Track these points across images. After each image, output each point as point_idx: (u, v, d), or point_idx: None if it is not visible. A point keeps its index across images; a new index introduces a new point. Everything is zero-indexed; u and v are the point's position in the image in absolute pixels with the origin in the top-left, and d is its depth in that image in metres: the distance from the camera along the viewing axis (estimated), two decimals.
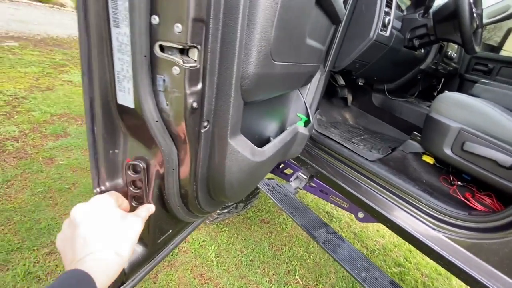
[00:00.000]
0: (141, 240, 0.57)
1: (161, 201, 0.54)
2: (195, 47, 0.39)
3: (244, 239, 1.88)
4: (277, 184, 1.49)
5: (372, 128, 1.77)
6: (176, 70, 0.39)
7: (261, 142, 0.78)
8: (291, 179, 1.49)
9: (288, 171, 1.83)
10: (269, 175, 1.78)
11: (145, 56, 0.38)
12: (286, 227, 2.09)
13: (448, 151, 1.04)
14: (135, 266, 0.56)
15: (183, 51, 0.40)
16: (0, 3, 8.01)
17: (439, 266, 0.96)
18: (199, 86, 0.42)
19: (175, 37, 0.37)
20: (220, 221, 1.95)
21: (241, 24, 0.41)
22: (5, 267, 1.34)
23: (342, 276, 1.81)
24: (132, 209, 0.50)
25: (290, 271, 1.74)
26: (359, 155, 1.24)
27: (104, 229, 0.40)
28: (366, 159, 1.22)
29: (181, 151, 0.47)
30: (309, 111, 0.99)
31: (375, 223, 2.53)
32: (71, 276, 0.33)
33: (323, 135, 1.36)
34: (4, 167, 1.92)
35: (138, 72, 0.38)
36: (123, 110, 0.42)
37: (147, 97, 0.40)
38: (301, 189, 1.48)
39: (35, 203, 1.70)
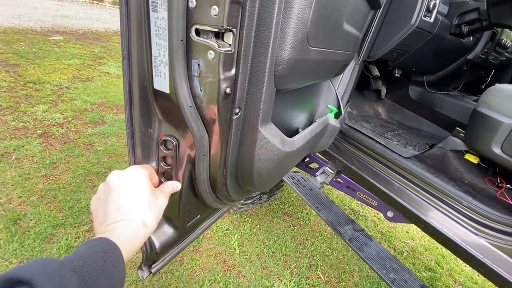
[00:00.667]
0: (172, 223, 0.59)
1: (191, 186, 0.55)
2: (230, 30, 0.38)
3: (267, 231, 1.89)
4: (302, 178, 1.47)
5: (408, 124, 1.66)
6: (211, 54, 0.39)
7: (290, 133, 0.77)
8: (317, 173, 1.46)
9: (313, 165, 1.79)
10: (294, 169, 1.76)
11: (181, 40, 0.38)
12: (309, 222, 2.06)
13: (497, 149, 0.94)
14: (166, 247, 0.58)
15: (218, 35, 0.40)
16: (47, 0, 8.67)
17: (477, 274, 0.88)
18: (233, 71, 0.42)
19: (211, 20, 0.36)
20: (243, 212, 1.97)
21: (278, 5, 0.40)
22: (51, 240, 1.48)
23: (366, 276, 1.75)
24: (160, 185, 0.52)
25: (312, 266, 1.72)
26: (392, 151, 1.17)
27: (135, 199, 0.42)
28: (400, 155, 1.14)
29: (212, 137, 0.47)
30: (340, 102, 0.94)
31: (405, 224, 2.40)
32: (98, 244, 0.35)
33: (353, 128, 1.31)
34: (51, 151, 2.10)
35: (174, 56, 0.38)
36: (158, 95, 0.43)
37: (182, 83, 0.40)
38: (327, 184, 1.44)
39: (76, 184, 1.85)
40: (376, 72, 1.39)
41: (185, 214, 0.59)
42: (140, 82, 0.43)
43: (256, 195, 1.76)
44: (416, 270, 1.92)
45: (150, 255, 0.56)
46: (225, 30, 0.38)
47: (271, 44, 0.42)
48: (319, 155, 1.70)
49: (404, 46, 1.15)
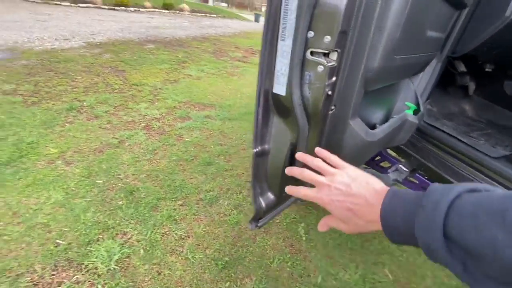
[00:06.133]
0: (273, 191, 0.77)
1: (291, 165, 0.72)
2: (336, 50, 0.52)
3: None
4: (373, 174, 1.50)
5: (500, 122, 1.50)
6: (320, 68, 0.54)
7: (369, 127, 0.86)
8: (390, 170, 1.47)
9: (384, 164, 1.78)
10: (363, 166, 1.78)
11: (299, 59, 0.54)
12: None
13: None
14: (269, 209, 0.76)
15: (326, 54, 0.54)
16: (140, 14, 10.23)
17: None
18: (334, 79, 0.56)
19: (323, 45, 0.51)
20: (310, 204, 2.09)
21: (373, 31, 0.52)
22: (156, 209, 1.89)
23: (441, 282, 1.67)
24: None
25: (378, 263, 1.73)
26: (478, 150, 1.12)
27: None
28: (487, 155, 1.09)
29: (312, 127, 0.62)
30: (419, 99, 0.97)
31: None
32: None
33: (433, 126, 1.28)
34: (152, 140, 2.62)
35: (293, 70, 0.55)
36: (276, 96, 0.61)
37: (295, 88, 0.56)
38: (399, 182, 1.44)
39: (171, 168, 2.28)
40: (462, 68, 1.31)
41: (283, 186, 0.76)
42: (265, 88, 0.61)
43: None
44: None
45: (259, 212, 0.76)
46: (332, 50, 0.53)
47: (364, 58, 0.54)
48: (393, 154, 1.69)
49: (497, 40, 1.08)
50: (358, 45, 0.53)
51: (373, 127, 0.92)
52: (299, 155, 0.55)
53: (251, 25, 17.79)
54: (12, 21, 6.69)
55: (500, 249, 0.26)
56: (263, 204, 0.74)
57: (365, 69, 0.56)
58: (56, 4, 10.21)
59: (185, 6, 12.77)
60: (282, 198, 0.78)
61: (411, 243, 0.36)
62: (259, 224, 0.76)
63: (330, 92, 0.56)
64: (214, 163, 2.41)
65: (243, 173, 2.37)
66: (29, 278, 1.35)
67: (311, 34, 0.51)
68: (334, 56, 0.53)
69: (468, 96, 1.65)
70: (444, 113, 1.50)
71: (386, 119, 0.99)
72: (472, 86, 1.61)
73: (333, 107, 0.60)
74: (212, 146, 2.65)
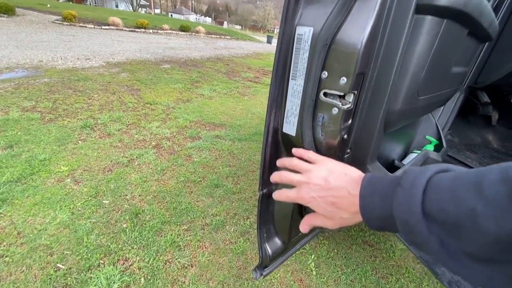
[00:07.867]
0: (281, 237, 0.70)
1: (300, 211, 0.65)
2: (352, 92, 0.48)
3: (345, 257, 1.84)
4: None
5: None
6: (335, 110, 0.49)
7: (386, 164, 0.79)
8: None
9: None
10: None
11: (312, 100, 0.50)
12: (394, 255, 1.90)
13: None
14: (275, 256, 0.70)
15: (341, 96, 0.50)
16: (158, 35, 10.75)
17: None
18: (350, 122, 0.51)
19: (339, 87, 0.47)
20: (320, 234, 1.98)
21: (395, 71, 0.47)
22: (160, 234, 1.83)
23: None
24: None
25: None
26: None
27: None
28: None
29: None
30: (441, 134, 0.90)
31: None
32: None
33: (455, 159, 1.20)
34: (161, 159, 2.61)
35: (305, 111, 0.50)
36: (286, 136, 0.56)
37: (307, 129, 0.52)
38: None
39: (178, 189, 2.24)
40: (485, 98, 1.24)
41: (291, 231, 0.69)
42: (274, 126, 0.57)
43: None
44: None
45: (264, 260, 0.69)
46: (348, 93, 0.48)
47: (385, 100, 0.49)
48: None
49: None
50: (378, 87, 0.49)
51: (391, 163, 0.85)
52: (279, 161, 0.55)
53: (263, 46, 18.31)
54: (39, 41, 7.15)
55: (480, 221, 0.26)
56: (269, 251, 0.67)
57: (386, 112, 0.51)
58: (81, 26, 10.91)
59: (201, 28, 13.38)
60: (290, 243, 0.72)
61: (388, 226, 0.36)
62: (264, 273, 0.69)
63: (345, 136, 0.51)
64: (222, 185, 2.36)
65: (251, 197, 2.30)
66: None
67: (325, 74, 0.47)
68: (350, 98, 0.49)
69: (491, 126, 1.55)
70: (467, 144, 1.41)
71: (404, 154, 0.92)
72: (495, 116, 1.52)
73: (348, 151, 0.55)
74: (220, 168, 2.61)
